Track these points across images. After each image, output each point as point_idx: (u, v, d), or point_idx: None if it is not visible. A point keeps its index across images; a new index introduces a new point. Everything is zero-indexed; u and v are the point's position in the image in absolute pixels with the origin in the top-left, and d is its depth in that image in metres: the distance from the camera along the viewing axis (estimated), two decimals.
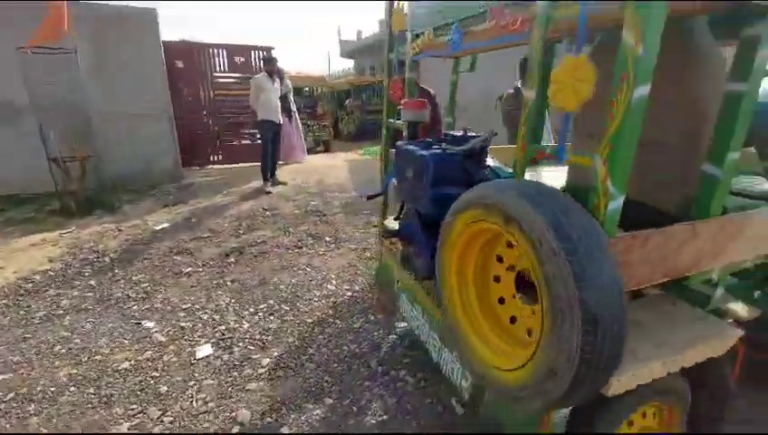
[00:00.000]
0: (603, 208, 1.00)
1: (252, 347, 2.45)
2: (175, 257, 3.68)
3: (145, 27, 6.15)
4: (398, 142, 1.87)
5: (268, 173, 5.83)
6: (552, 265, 0.92)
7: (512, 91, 4.08)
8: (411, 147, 1.68)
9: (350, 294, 3.10)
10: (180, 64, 6.98)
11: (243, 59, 7.45)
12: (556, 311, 0.92)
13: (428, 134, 1.97)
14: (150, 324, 2.68)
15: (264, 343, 2.49)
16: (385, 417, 1.95)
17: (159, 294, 3.05)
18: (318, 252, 3.82)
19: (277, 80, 5.89)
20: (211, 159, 7.64)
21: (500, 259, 1.32)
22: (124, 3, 6.37)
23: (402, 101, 1.96)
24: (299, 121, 7.71)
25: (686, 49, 1.29)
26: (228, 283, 3.23)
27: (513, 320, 1.29)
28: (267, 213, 4.81)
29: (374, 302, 2.63)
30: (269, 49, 7.39)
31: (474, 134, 1.66)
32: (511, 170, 1.68)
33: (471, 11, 1.45)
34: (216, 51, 7.27)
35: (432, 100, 3.57)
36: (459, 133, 1.68)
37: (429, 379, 2.18)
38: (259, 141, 6.14)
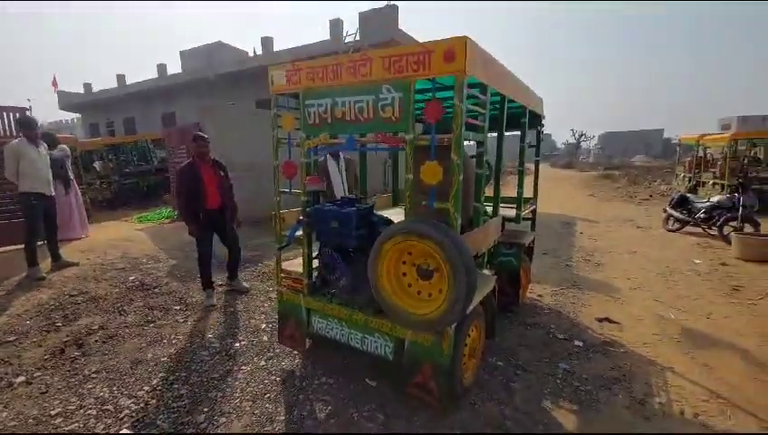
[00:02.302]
0: (456, 225, 2.18)
1: (176, 413, 2.49)
2: None
3: None
4: (317, 205, 2.62)
5: (36, 257, 4.79)
6: (449, 251, 2.01)
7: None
8: (331, 207, 2.50)
9: (237, 344, 3.37)
10: None
11: None
12: (454, 271, 2.01)
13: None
14: None
15: (185, 406, 2.56)
16: (330, 408, 2.56)
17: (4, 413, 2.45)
18: (177, 320, 3.76)
19: (43, 144, 5.06)
20: None
21: (404, 263, 2.34)
22: None
23: (307, 179, 2.71)
24: (78, 191, 6.50)
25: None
26: (92, 375, 2.88)
27: (419, 292, 2.32)
28: (78, 298, 4.14)
29: (279, 337, 3.07)
30: (23, 110, 6.04)
31: (359, 197, 2.65)
32: (385, 213, 2.77)
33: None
34: None
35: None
36: (349, 198, 2.63)
37: (343, 378, 2.89)
38: (22, 219, 5.00)
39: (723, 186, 10.36)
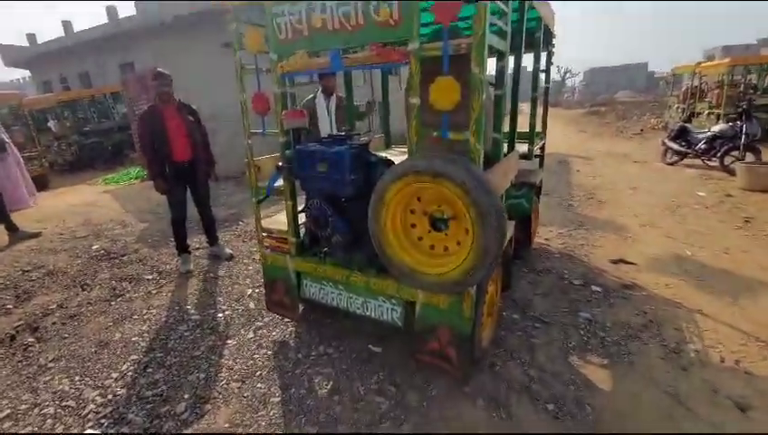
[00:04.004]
0: (479, 160, 1.72)
1: (151, 404, 2.12)
2: None
3: None
4: (298, 146, 2.10)
5: None
6: (475, 192, 1.57)
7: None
8: (318, 146, 1.98)
9: (220, 315, 2.97)
10: None
11: None
12: (482, 217, 1.58)
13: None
14: None
15: (162, 394, 2.19)
16: (331, 382, 2.23)
17: None
18: (150, 292, 3.32)
19: None
20: None
21: (412, 212, 1.89)
22: None
23: (284, 113, 2.16)
24: (19, 155, 5.72)
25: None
26: (49, 364, 2.46)
27: (432, 247, 1.90)
28: (32, 274, 3.63)
29: (267, 304, 2.68)
30: None
31: (354, 133, 2.13)
32: (381, 154, 2.27)
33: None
34: None
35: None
36: (338, 135, 2.09)
37: (343, 346, 2.55)
38: None
39: (719, 115, 10.03)
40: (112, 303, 3.16)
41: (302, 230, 2.45)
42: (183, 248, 3.68)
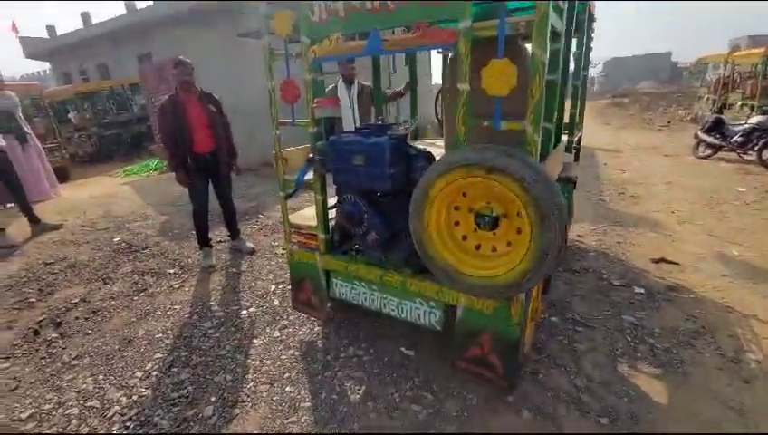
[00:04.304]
0: (535, 150, 1.55)
1: (178, 406, 2.03)
2: None
3: None
4: (332, 137, 1.96)
5: None
6: (537, 190, 1.40)
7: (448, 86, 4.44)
8: (355, 137, 1.84)
9: (244, 312, 2.87)
10: None
11: None
12: (545, 215, 1.42)
13: None
14: None
15: (188, 396, 2.10)
16: (363, 387, 2.11)
17: None
18: (172, 286, 3.25)
19: None
20: None
21: (456, 208, 1.74)
22: None
23: (315, 101, 2.02)
24: (40, 147, 5.72)
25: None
26: (73, 361, 2.40)
27: (477, 247, 1.74)
28: (54, 267, 3.60)
29: (293, 303, 2.57)
30: None
31: (391, 123, 1.97)
32: (419, 146, 2.12)
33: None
34: None
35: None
36: (375, 124, 1.94)
37: (374, 348, 2.43)
38: None
39: (752, 107, 9.54)
40: (135, 297, 3.10)
41: (332, 225, 2.32)
42: (205, 242, 3.60)
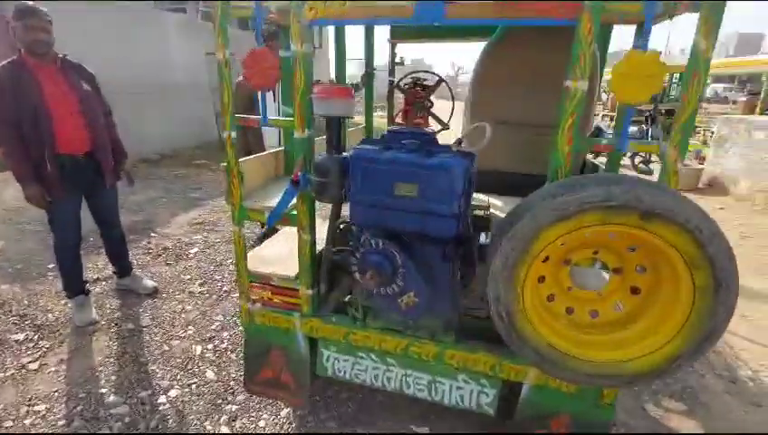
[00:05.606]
0: (672, 184, 1.11)
1: None
2: None
3: None
4: (355, 148, 1.22)
5: None
6: (714, 245, 0.96)
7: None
8: (399, 154, 1.15)
9: (162, 399, 1.91)
10: None
11: None
12: (719, 282, 0.99)
13: None
14: None
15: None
16: None
17: None
18: (24, 366, 2.04)
19: None
20: None
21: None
22: None
23: (316, 89, 1.24)
24: None
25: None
26: None
27: (568, 311, 1.25)
28: None
29: (248, 384, 1.73)
30: None
31: (430, 130, 1.33)
32: None
33: None
34: None
35: None
36: (419, 131, 1.27)
37: (375, 426, 1.79)
38: None
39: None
40: None
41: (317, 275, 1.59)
42: (78, 288, 2.42)
